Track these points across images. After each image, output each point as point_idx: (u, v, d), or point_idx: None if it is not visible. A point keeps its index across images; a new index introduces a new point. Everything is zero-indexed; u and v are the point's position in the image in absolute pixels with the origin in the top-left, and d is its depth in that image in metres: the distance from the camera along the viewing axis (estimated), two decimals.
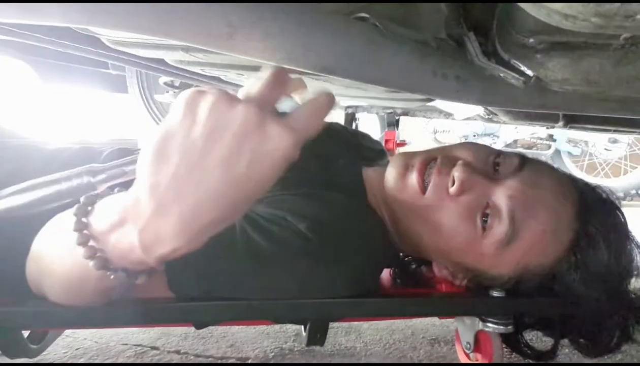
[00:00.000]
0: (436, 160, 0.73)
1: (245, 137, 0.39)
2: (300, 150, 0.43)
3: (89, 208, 0.48)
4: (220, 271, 0.63)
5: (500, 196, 0.69)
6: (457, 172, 0.69)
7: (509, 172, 0.71)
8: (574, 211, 0.72)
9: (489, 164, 0.73)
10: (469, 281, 0.78)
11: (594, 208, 0.74)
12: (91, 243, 0.46)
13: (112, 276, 0.48)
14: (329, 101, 0.44)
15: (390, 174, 0.75)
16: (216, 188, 0.40)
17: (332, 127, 0.99)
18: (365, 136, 1.08)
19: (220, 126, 0.39)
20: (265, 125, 0.39)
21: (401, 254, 0.85)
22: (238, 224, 0.64)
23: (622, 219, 0.76)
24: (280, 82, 0.43)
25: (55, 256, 0.52)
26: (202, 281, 0.62)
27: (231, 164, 0.39)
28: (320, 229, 0.66)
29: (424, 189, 0.71)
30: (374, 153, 1.01)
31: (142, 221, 0.42)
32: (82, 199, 0.49)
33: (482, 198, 0.69)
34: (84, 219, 0.47)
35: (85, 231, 0.47)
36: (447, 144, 0.80)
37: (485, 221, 0.69)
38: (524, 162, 0.73)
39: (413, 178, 0.72)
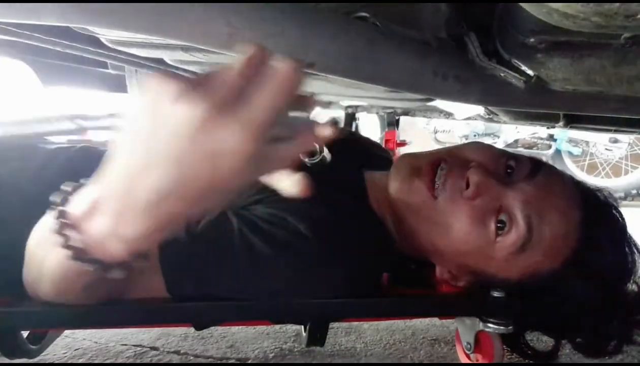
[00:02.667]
0: (445, 162, 0.72)
1: (185, 138, 0.36)
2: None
3: (69, 197, 0.46)
4: (218, 274, 0.63)
5: (516, 201, 0.68)
6: (472, 175, 0.67)
7: (523, 177, 0.70)
8: (581, 215, 0.71)
9: (500, 167, 0.71)
10: (472, 284, 0.77)
11: (598, 211, 0.74)
12: (67, 231, 0.45)
13: (86, 269, 0.45)
14: (291, 70, 0.37)
15: (396, 177, 0.74)
16: (165, 185, 0.38)
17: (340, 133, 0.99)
18: (375, 144, 1.08)
19: (158, 125, 0.36)
20: (211, 125, 0.35)
21: (402, 255, 0.84)
22: (236, 226, 0.64)
23: (623, 222, 0.76)
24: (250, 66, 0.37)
25: (42, 253, 0.50)
26: (200, 284, 0.62)
27: (177, 163, 0.37)
28: (319, 229, 0.66)
29: (434, 192, 0.70)
30: (383, 161, 1.00)
31: (109, 208, 0.41)
32: (63, 187, 0.47)
33: (495, 201, 0.68)
34: (62, 208, 0.46)
35: (62, 219, 0.45)
36: (454, 145, 0.79)
37: (500, 227, 0.68)
38: (538, 167, 0.72)
39: (422, 182, 0.71)
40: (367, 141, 1.07)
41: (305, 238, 0.64)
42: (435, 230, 0.72)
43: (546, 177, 0.71)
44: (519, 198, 0.68)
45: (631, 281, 0.76)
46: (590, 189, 0.78)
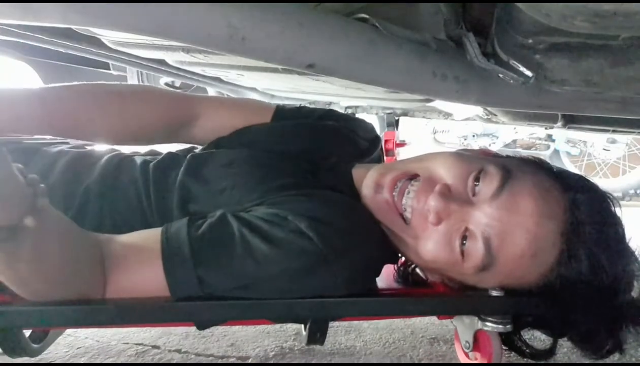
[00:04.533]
0: (414, 177, 0.74)
1: None
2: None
3: None
4: (220, 277, 0.63)
5: (477, 223, 0.68)
6: (432, 202, 0.68)
7: (488, 196, 0.68)
8: (558, 230, 0.68)
9: (469, 185, 0.71)
10: (460, 288, 0.78)
11: (584, 222, 0.69)
12: None
13: None
14: None
15: (364, 190, 0.77)
16: None
17: (328, 122, 0.98)
18: (359, 125, 1.03)
19: None
20: None
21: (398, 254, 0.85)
22: (236, 228, 0.65)
23: (620, 234, 0.72)
24: None
25: None
26: (203, 287, 0.63)
27: None
28: (321, 228, 0.66)
29: (395, 209, 0.73)
30: (368, 143, 1.00)
31: None
32: None
33: (460, 223, 0.69)
34: None
35: None
36: (428, 154, 0.78)
37: (464, 245, 0.69)
38: (504, 184, 0.68)
39: (383, 199, 0.74)
40: (352, 123, 1.03)
41: (306, 236, 0.65)
42: (407, 247, 0.74)
43: (513, 195, 0.68)
44: (480, 220, 0.68)
45: (626, 287, 0.74)
46: (589, 194, 0.72)
